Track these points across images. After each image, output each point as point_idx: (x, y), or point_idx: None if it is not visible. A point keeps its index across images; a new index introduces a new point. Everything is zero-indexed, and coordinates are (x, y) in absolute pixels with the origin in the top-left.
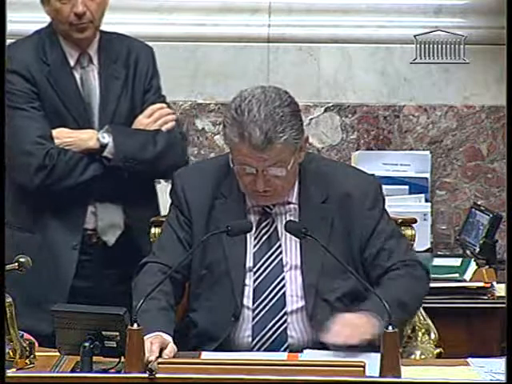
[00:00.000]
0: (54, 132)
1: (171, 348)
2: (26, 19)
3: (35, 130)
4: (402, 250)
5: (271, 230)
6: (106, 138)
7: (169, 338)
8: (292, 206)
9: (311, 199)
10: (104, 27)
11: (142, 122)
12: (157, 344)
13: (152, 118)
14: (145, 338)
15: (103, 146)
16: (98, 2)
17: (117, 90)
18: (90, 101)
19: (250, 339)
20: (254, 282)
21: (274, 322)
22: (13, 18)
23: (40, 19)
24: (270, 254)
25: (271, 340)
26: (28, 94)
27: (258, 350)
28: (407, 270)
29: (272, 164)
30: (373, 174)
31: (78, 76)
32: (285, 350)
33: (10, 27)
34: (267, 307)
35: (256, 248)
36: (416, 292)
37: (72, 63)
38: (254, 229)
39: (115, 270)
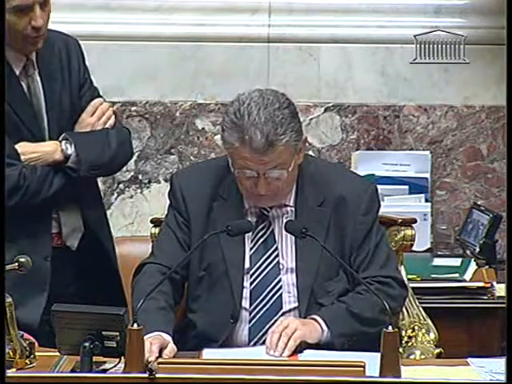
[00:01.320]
0: (18, 148)
1: (171, 348)
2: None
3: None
4: (380, 264)
5: (268, 232)
6: (70, 149)
7: (168, 338)
8: (289, 208)
9: (308, 202)
10: (103, 27)
11: (88, 121)
12: (157, 344)
13: (96, 116)
14: (145, 338)
15: (67, 157)
16: (47, 11)
17: (57, 90)
18: (39, 107)
19: (247, 340)
20: (251, 283)
21: (270, 323)
22: None
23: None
24: (266, 256)
25: None
26: None
27: None
28: (377, 287)
29: (273, 167)
30: (372, 175)
31: (24, 85)
32: None
33: None
34: (264, 309)
35: (253, 250)
36: (384, 308)
37: (17, 72)
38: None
39: (81, 272)
